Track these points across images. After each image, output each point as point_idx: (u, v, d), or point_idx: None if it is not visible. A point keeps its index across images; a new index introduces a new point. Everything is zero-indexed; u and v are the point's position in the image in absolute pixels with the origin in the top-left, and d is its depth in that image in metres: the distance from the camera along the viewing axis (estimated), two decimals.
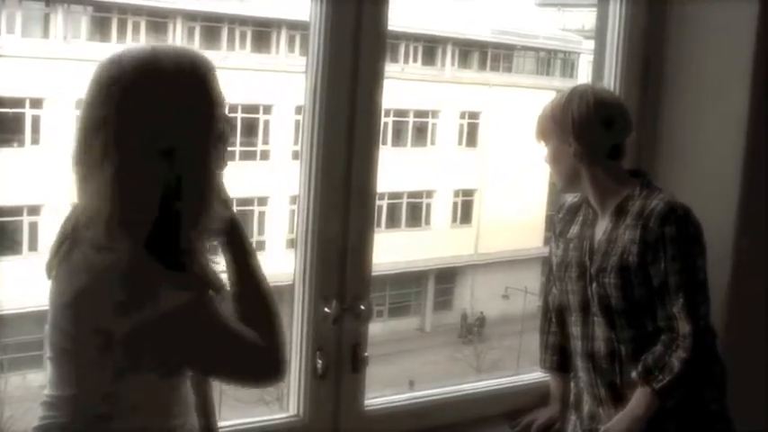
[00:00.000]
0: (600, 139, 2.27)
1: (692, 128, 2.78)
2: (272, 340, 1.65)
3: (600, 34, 2.89)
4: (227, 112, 1.61)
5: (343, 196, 2.30)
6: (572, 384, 2.50)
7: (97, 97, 1.54)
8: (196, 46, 11.37)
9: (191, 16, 11.69)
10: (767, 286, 2.80)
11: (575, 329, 2.38)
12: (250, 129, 11.87)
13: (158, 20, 11.48)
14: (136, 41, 11.19)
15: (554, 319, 2.51)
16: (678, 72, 2.81)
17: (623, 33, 2.81)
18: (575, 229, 2.39)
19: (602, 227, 2.32)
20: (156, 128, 1.53)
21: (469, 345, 14.14)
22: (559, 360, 2.53)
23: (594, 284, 2.29)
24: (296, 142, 2.35)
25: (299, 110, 2.31)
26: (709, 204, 2.48)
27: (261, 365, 1.67)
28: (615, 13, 2.82)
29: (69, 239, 1.60)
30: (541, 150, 2.37)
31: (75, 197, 1.60)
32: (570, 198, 2.46)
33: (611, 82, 2.80)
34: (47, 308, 1.64)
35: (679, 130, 2.81)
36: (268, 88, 11.52)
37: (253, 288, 1.68)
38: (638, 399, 2.23)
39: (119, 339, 1.54)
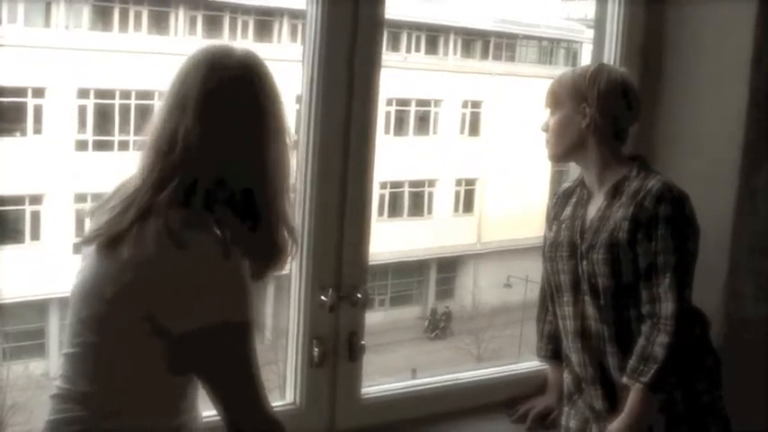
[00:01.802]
0: (620, 114, 2.28)
1: (690, 119, 2.78)
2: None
3: (599, 24, 2.89)
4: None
5: (340, 185, 2.30)
6: (565, 373, 2.49)
7: (182, 85, 1.64)
8: (198, 36, 11.37)
9: (193, 5, 11.67)
10: (766, 276, 2.80)
11: (566, 309, 2.36)
12: None
13: (160, 9, 11.47)
14: (138, 31, 11.20)
15: (550, 308, 2.51)
16: (676, 62, 2.80)
17: (622, 25, 2.81)
18: (568, 211, 2.38)
19: (595, 205, 2.31)
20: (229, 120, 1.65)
21: (469, 335, 14.09)
22: (555, 349, 2.52)
23: (585, 262, 2.27)
24: (296, 132, 2.34)
25: (299, 99, 2.31)
26: (707, 194, 2.47)
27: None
28: (614, 3, 2.82)
29: (140, 217, 1.56)
30: (542, 117, 2.34)
31: (144, 171, 1.61)
32: (566, 184, 2.46)
33: None
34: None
35: (676, 121, 2.80)
36: None
37: None
38: (633, 398, 2.20)
39: (170, 338, 1.55)
